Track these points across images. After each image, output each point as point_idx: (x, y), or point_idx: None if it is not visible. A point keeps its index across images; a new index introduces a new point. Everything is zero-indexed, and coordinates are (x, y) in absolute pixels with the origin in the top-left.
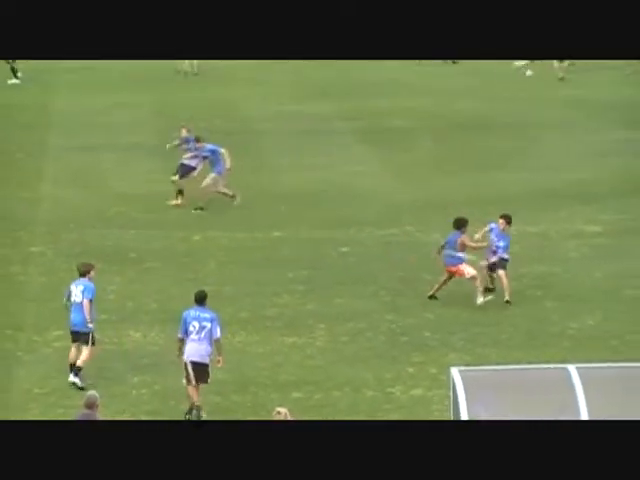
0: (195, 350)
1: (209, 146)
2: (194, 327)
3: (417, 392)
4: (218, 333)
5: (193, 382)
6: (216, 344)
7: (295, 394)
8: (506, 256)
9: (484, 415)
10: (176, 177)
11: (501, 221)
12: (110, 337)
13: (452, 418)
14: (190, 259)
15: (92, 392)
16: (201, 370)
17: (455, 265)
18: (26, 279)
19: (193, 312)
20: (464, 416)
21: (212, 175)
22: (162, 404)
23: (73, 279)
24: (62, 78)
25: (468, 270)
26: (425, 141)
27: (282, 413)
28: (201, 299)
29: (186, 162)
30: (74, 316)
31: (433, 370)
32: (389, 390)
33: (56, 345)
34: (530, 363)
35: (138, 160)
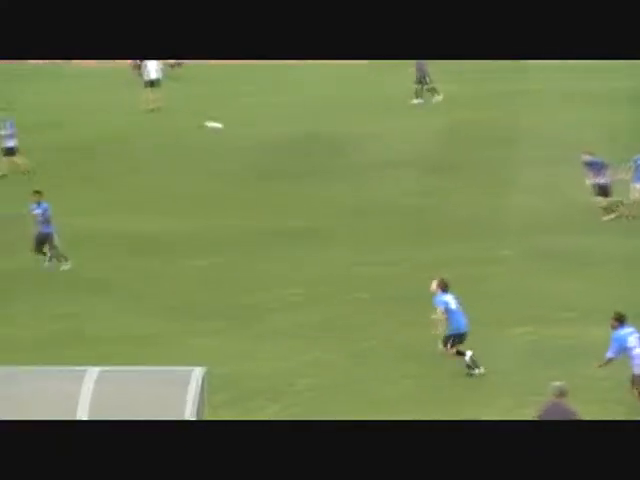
0: None
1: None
2: (631, 342)
3: None
4: None
5: None
6: None
7: None
8: None
9: None
10: (601, 198)
11: None
12: (574, 333)
13: None
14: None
15: (561, 382)
16: None
17: None
18: (494, 278)
19: (622, 331)
20: None
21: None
22: (625, 394)
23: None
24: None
25: None
26: None
27: None
28: (624, 320)
29: (602, 182)
30: (463, 321)
31: None
32: None
33: (518, 341)
34: None
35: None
